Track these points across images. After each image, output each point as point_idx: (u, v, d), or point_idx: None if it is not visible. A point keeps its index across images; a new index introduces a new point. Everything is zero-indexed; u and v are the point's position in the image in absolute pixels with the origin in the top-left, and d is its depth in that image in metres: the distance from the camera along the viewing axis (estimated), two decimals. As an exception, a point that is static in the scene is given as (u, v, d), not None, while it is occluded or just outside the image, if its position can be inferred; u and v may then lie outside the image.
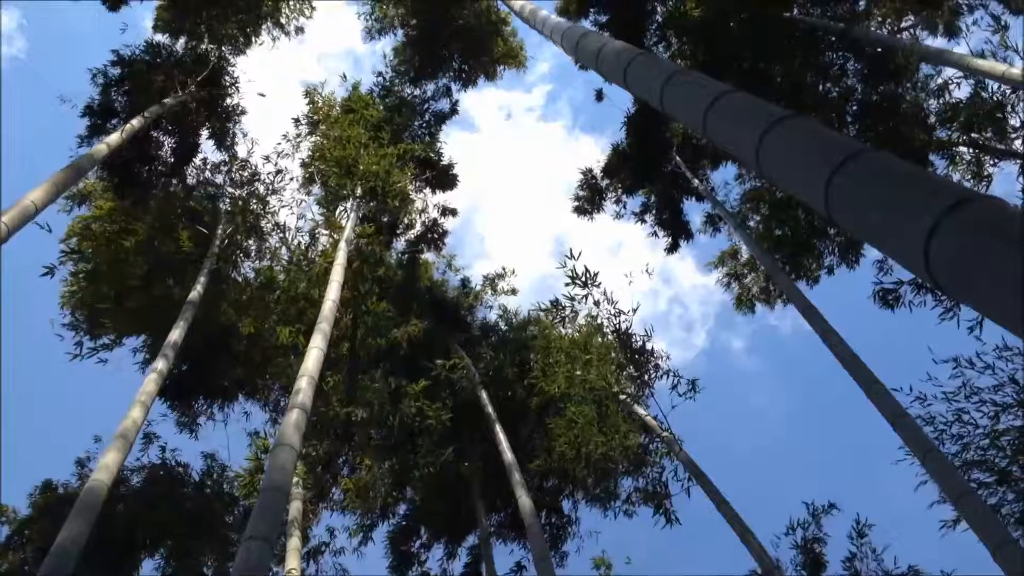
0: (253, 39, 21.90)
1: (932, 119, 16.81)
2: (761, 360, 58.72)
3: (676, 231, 23.53)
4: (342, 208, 20.58)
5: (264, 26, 21.62)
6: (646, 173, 22.39)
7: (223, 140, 22.00)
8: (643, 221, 24.20)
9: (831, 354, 13.07)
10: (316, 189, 22.14)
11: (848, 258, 20.93)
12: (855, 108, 16.61)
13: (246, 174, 22.27)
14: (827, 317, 13.69)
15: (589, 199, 24.50)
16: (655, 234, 23.83)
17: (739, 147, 4.28)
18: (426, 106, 25.35)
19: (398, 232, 21.77)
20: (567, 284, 17.77)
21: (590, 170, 24.36)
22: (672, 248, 23.65)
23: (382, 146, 20.58)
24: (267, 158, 22.39)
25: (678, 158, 22.12)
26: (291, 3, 21.56)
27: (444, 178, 23.76)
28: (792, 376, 56.62)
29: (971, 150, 17.39)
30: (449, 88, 25.34)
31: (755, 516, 14.39)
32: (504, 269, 23.45)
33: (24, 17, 52.16)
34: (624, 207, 24.41)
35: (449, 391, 19.18)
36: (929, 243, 2.66)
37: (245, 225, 21.44)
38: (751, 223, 22.99)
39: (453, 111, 25.49)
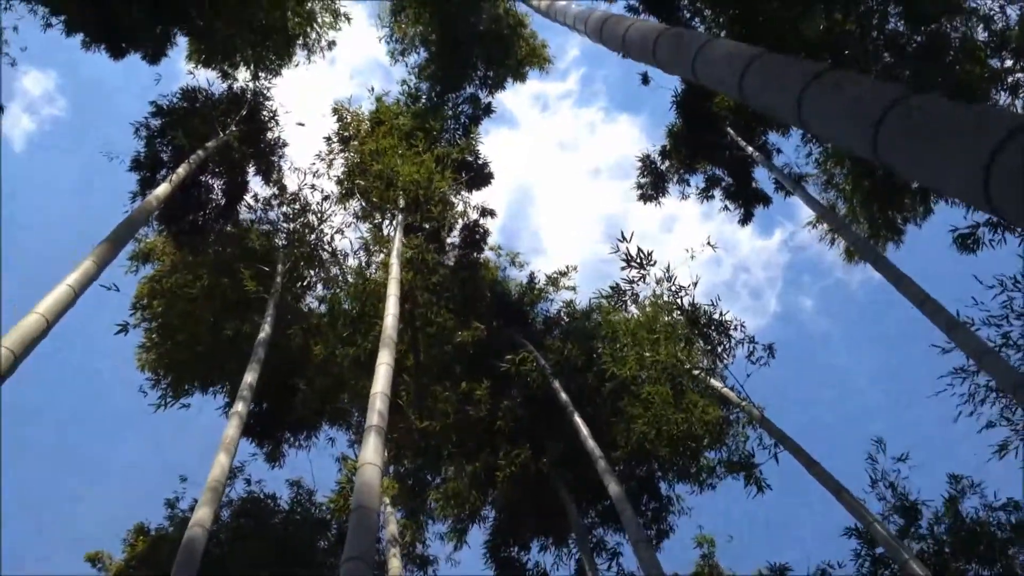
0: (287, 60, 22.09)
1: (983, 51, 16.34)
2: (834, 317, 57.77)
3: (748, 200, 23.37)
4: (387, 222, 20.76)
5: (297, 44, 21.79)
6: (702, 150, 22.35)
7: (269, 175, 22.34)
8: (708, 197, 24.22)
9: (905, 305, 12.88)
10: (354, 204, 22.29)
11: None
12: (902, 53, 16.21)
13: (296, 206, 22.57)
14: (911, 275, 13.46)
15: (652, 184, 24.58)
16: (726, 208, 23.77)
17: (780, 107, 4.22)
18: (459, 109, 25.45)
19: (444, 237, 21.84)
20: (622, 268, 17.64)
21: (647, 155, 24.60)
22: (746, 219, 23.53)
23: (418, 153, 20.67)
24: (312, 187, 22.65)
25: (731, 131, 22.00)
26: (321, 19, 21.71)
27: (480, 177, 23.82)
28: (866, 330, 55.57)
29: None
30: (477, 97, 25.40)
31: (846, 473, 14.22)
32: (567, 267, 23.42)
33: (60, 76, 53.70)
34: (687, 185, 24.47)
35: (520, 388, 19.24)
36: (989, 173, 2.62)
37: (302, 256, 21.72)
38: (837, 179, 22.75)
39: (488, 111, 25.53)
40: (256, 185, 22.54)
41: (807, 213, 24.26)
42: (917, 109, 3.26)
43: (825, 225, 24.20)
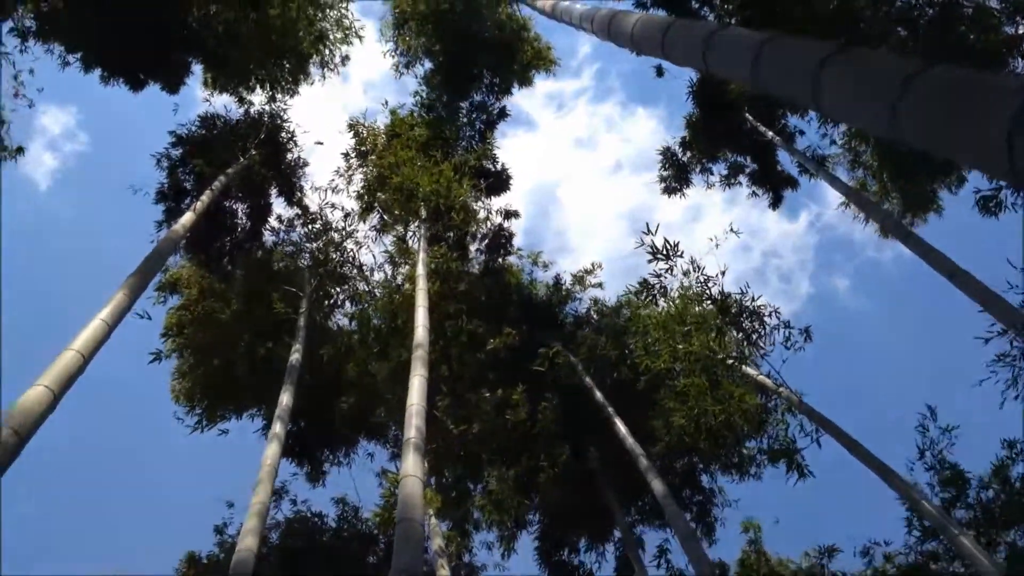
0: (302, 79, 22.18)
1: (997, 18, 16.10)
2: (870, 295, 57.24)
3: (775, 185, 23.26)
4: (411, 233, 20.83)
5: (311, 63, 21.86)
6: (722, 137, 22.27)
7: (291, 195, 22.48)
8: (730, 185, 24.16)
9: (940, 280, 12.77)
10: (375, 218, 22.38)
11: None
12: (915, 26, 15.99)
13: (318, 225, 22.70)
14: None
15: (675, 176, 24.52)
16: (755, 193, 23.66)
17: (795, 92, 4.19)
18: (473, 115, 25.47)
19: (467, 245, 21.86)
20: (649, 261, 17.56)
21: (668, 148, 24.56)
22: (776, 203, 23.40)
23: (436, 163, 20.73)
24: (332, 205, 22.77)
25: (749, 116, 21.91)
26: (333, 36, 21.78)
27: (499, 182, 23.83)
28: (904, 305, 55.01)
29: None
30: (484, 104, 25.43)
31: (890, 452, 14.10)
32: (592, 265, 23.36)
33: (80, 112, 54.52)
34: (711, 174, 24.42)
35: (555, 390, 19.23)
36: (1012, 141, 2.59)
37: (328, 275, 21.84)
38: (864, 156, 22.57)
39: (503, 115, 25.54)
40: (279, 206, 22.70)
41: (833, 194, 24.11)
42: (934, 83, 3.22)
43: (853, 205, 23.98)
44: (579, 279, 23.36)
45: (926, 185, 21.00)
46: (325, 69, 22.28)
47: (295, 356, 16.61)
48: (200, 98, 23.32)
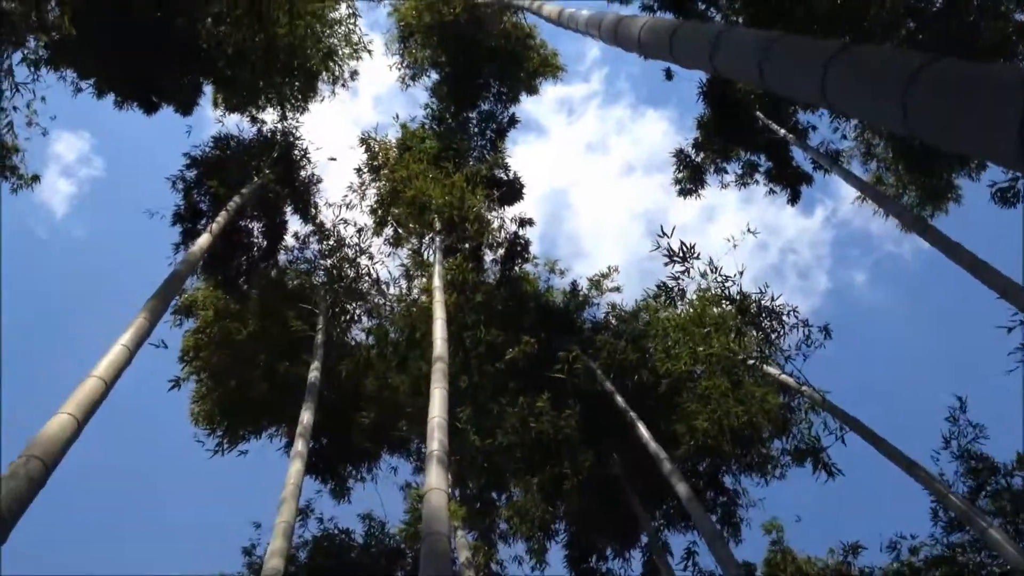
0: (312, 96, 22.26)
1: (1006, 6, 16.02)
2: (888, 288, 56.91)
3: (791, 181, 23.22)
4: (426, 246, 20.86)
5: (320, 80, 21.91)
6: (735, 137, 22.26)
7: (307, 212, 22.56)
8: (745, 184, 24.14)
9: (959, 272, 12.68)
10: (389, 232, 22.42)
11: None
12: (922, 17, 15.93)
13: (331, 242, 22.77)
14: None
15: (690, 178, 24.52)
16: (772, 191, 23.62)
17: (804, 91, 4.17)
18: (483, 125, 25.53)
19: (483, 255, 21.89)
20: (665, 264, 17.52)
21: (681, 150, 24.57)
22: (794, 199, 23.34)
23: (448, 175, 20.77)
24: (344, 221, 22.85)
25: (761, 115, 21.89)
26: (342, 51, 21.83)
27: (512, 191, 23.86)
28: (923, 297, 54.62)
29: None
30: (492, 113, 25.49)
31: (916, 447, 14.00)
32: (609, 268, 23.34)
33: (94, 137, 55.09)
34: (725, 173, 24.42)
35: (576, 396, 19.19)
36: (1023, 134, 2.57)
37: (343, 291, 21.88)
38: (877, 150, 22.54)
39: (512, 122, 25.59)
40: (294, 224, 22.79)
41: (848, 188, 23.98)
42: (943, 75, 3.20)
43: (868, 199, 23.88)
44: (596, 283, 23.34)
45: (943, 176, 20.89)
46: (335, 85, 22.34)
47: (314, 373, 16.65)
48: (213, 119, 23.49)
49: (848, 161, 22.99)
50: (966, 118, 3.04)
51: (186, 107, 19.57)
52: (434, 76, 25.95)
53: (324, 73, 21.65)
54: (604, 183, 67.52)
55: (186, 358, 21.15)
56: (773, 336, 17.29)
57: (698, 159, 24.42)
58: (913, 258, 53.53)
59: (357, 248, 22.56)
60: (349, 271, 22.34)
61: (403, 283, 21.82)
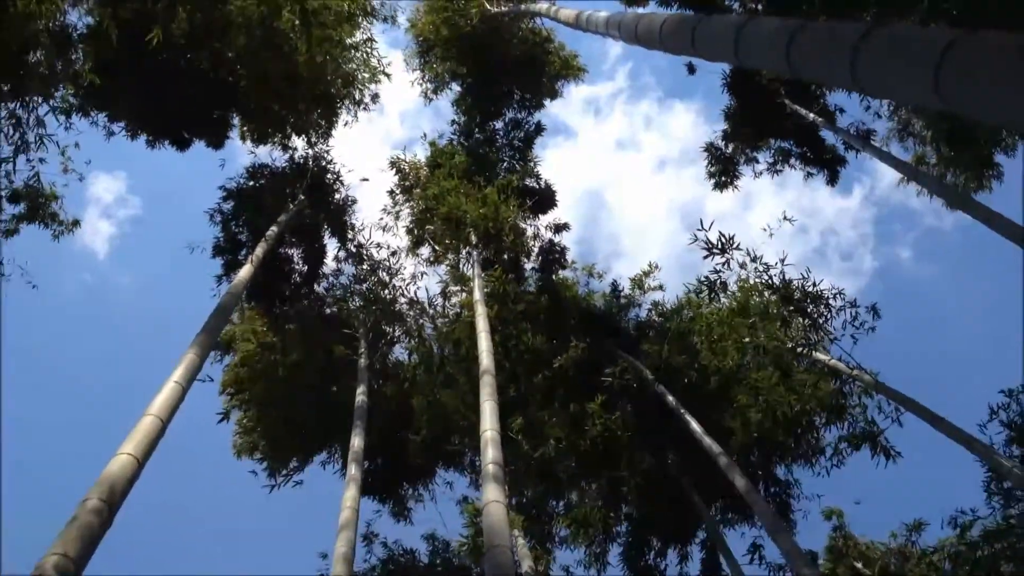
0: (335, 122, 22.37)
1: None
2: (936, 261, 56.02)
3: (827, 164, 23.01)
4: (464, 261, 20.89)
5: (342, 106, 22.01)
6: (764, 125, 22.13)
7: (344, 235, 22.71)
8: (778, 172, 23.97)
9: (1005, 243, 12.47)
10: (426, 251, 22.46)
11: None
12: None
13: (365, 267, 22.87)
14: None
15: (723, 171, 24.42)
16: (810, 174, 23.44)
17: (833, 76, 4.14)
18: (510, 134, 25.57)
19: (522, 265, 21.88)
20: (705, 257, 17.36)
21: (711, 143, 24.56)
22: (832, 180, 23.13)
23: (480, 188, 20.81)
24: (378, 244, 22.98)
25: (788, 101, 21.74)
26: (361, 76, 21.91)
27: (545, 199, 23.85)
28: (970, 269, 53.71)
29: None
30: (518, 120, 25.53)
31: (972, 422, 13.80)
32: (650, 266, 23.17)
33: (130, 177, 56.13)
34: (757, 163, 24.30)
35: (626, 397, 19.10)
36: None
37: (382, 313, 21.92)
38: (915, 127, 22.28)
39: (539, 130, 25.57)
40: (333, 247, 22.93)
41: (884, 166, 23.62)
42: (975, 47, 3.16)
43: (910, 180, 23.57)
44: (638, 282, 23.21)
45: (983, 150, 20.48)
46: (357, 108, 22.36)
47: (361, 397, 16.69)
48: (245, 150, 23.76)
49: (887, 142, 22.70)
50: (1001, 89, 2.99)
51: (217, 141, 19.84)
52: (456, 88, 26.09)
53: (345, 100, 21.74)
54: (638, 180, 67.29)
55: (228, 392, 21.16)
56: (821, 321, 17.07)
57: (728, 151, 24.30)
58: (955, 230, 52.63)
59: (392, 270, 22.64)
60: (386, 293, 22.42)
61: (442, 300, 21.87)
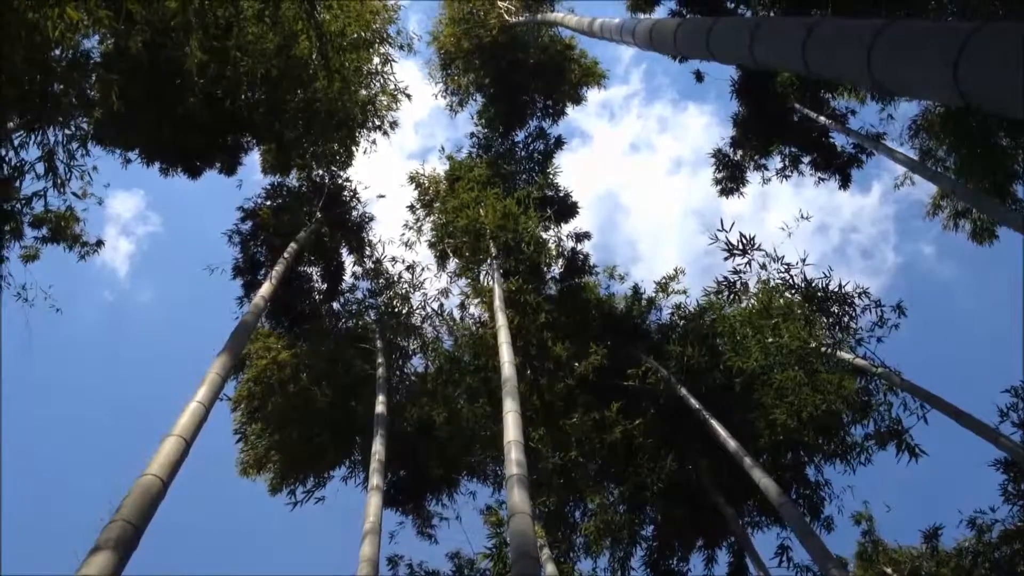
0: (354, 149, 22.31)
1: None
2: (959, 256, 55.51)
3: (839, 167, 22.89)
4: (484, 272, 20.83)
5: (361, 132, 21.92)
6: (773, 131, 22.05)
7: (362, 251, 22.73)
8: (787, 177, 23.87)
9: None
10: (449, 264, 22.40)
11: None
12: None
13: (382, 280, 22.85)
14: None
15: (731, 177, 24.35)
16: (821, 179, 23.33)
17: (849, 73, 4.09)
18: (530, 147, 25.59)
19: (543, 274, 21.82)
20: (725, 259, 17.25)
21: (719, 150, 24.50)
22: (844, 184, 23.01)
23: (500, 199, 20.78)
24: (393, 259, 22.97)
25: (797, 105, 21.64)
26: (379, 103, 21.81)
27: (565, 209, 23.83)
28: (993, 265, 53.13)
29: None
30: (542, 128, 25.57)
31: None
32: (675, 271, 23.07)
33: (148, 194, 56.57)
34: (765, 169, 24.20)
35: (649, 401, 19.00)
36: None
37: (399, 327, 21.80)
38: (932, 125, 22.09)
39: (559, 144, 25.44)
40: (350, 263, 22.95)
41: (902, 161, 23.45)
42: (994, 39, 3.11)
43: (915, 178, 23.44)
44: (662, 287, 23.12)
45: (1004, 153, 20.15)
46: (376, 133, 22.16)
47: (380, 408, 16.65)
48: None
49: (902, 141, 22.49)
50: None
51: (230, 168, 19.95)
52: (479, 99, 26.17)
53: (364, 128, 21.64)
54: (654, 182, 67.17)
55: (239, 407, 20.75)
56: (845, 320, 16.92)
57: (737, 157, 24.22)
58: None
59: (408, 284, 22.58)
60: (401, 307, 22.30)
61: (462, 311, 21.81)
